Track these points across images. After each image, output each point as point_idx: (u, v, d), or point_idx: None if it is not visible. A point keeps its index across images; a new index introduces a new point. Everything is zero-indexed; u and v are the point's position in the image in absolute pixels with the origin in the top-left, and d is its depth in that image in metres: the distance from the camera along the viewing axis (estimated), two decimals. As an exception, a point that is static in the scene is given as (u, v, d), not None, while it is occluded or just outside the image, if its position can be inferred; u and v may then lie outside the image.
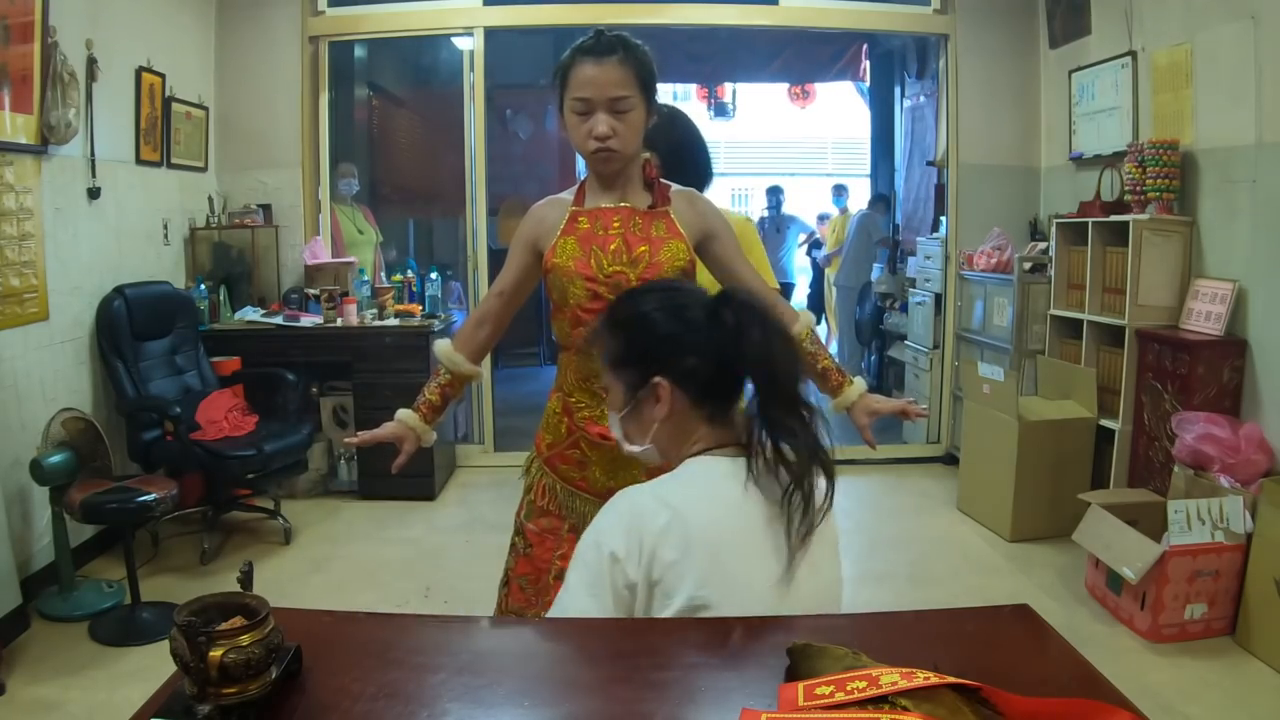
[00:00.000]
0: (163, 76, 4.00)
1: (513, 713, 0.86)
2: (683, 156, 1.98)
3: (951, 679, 0.77)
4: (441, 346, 1.75)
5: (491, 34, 4.74)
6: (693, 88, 8.39)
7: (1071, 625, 2.92)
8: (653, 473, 1.34)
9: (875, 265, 6.62)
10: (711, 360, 1.18)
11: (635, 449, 1.25)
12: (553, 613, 1.15)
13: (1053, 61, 4.58)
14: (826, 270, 8.14)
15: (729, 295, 1.22)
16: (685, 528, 1.10)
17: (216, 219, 4.50)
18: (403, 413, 1.71)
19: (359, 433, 1.68)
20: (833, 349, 7.71)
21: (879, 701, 0.76)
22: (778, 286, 1.83)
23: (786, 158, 12.13)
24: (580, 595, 1.11)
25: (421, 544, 3.77)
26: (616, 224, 1.62)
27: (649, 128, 1.63)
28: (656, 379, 1.18)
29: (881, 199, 7.06)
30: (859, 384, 1.68)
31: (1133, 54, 3.82)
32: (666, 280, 1.52)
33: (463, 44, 4.99)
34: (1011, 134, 4.76)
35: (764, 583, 1.11)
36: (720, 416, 1.20)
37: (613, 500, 1.18)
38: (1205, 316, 3.33)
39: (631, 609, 1.11)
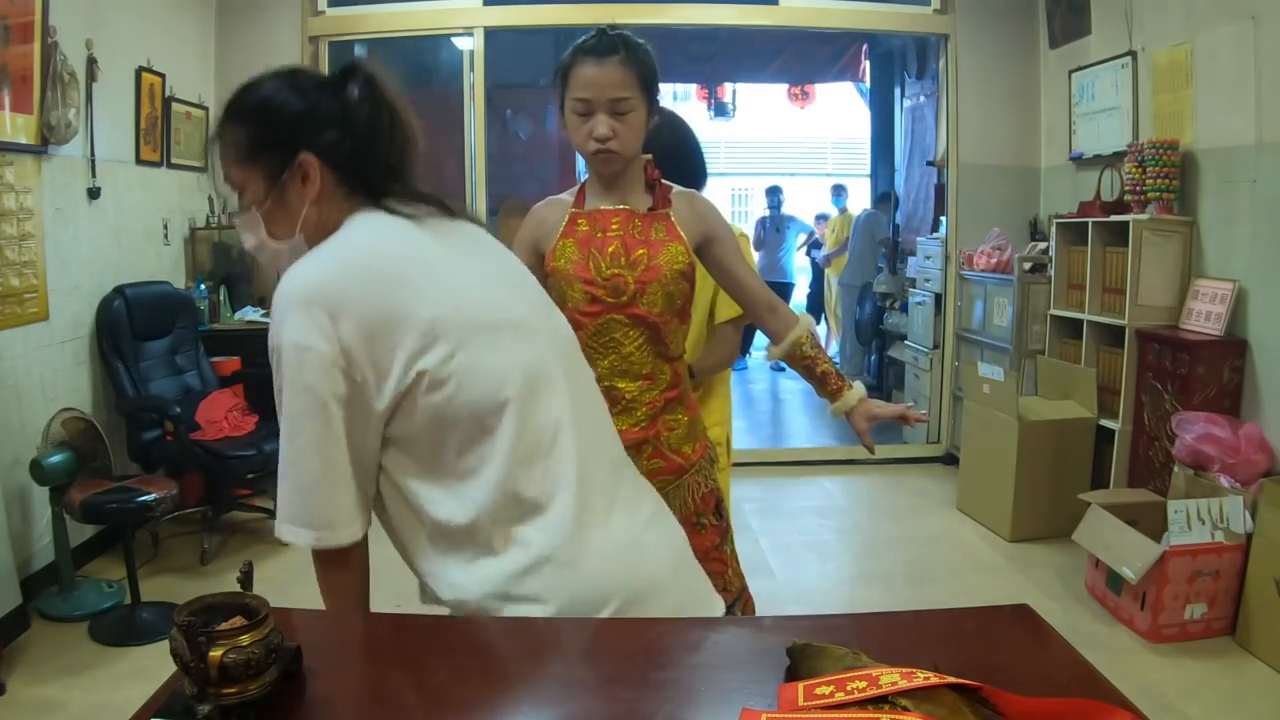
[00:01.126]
0: (163, 76, 4.00)
1: (513, 713, 0.86)
2: (676, 161, 1.95)
3: (951, 679, 0.77)
4: None
5: (491, 34, 4.74)
6: (693, 88, 8.40)
7: (1071, 625, 2.92)
8: (670, 468, 1.34)
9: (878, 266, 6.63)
10: (348, 131, 1.14)
11: (281, 245, 1.16)
12: (283, 511, 1.04)
13: (1053, 61, 4.58)
14: (826, 270, 8.14)
15: (355, 66, 1.18)
16: (373, 267, 1.06)
17: (216, 219, 4.50)
18: None
19: None
20: (834, 348, 7.75)
21: (879, 701, 0.76)
22: None
23: (786, 158, 12.16)
24: (309, 462, 1.02)
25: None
26: (615, 226, 1.61)
27: (650, 128, 1.62)
28: (303, 155, 1.11)
29: (886, 198, 7.06)
30: (858, 388, 1.66)
31: (1133, 54, 3.82)
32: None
33: (463, 44, 4.99)
34: (1011, 134, 4.76)
35: (481, 287, 1.12)
36: (363, 190, 1.16)
37: (274, 307, 1.06)
38: (1205, 316, 3.33)
39: (372, 408, 1.03)
